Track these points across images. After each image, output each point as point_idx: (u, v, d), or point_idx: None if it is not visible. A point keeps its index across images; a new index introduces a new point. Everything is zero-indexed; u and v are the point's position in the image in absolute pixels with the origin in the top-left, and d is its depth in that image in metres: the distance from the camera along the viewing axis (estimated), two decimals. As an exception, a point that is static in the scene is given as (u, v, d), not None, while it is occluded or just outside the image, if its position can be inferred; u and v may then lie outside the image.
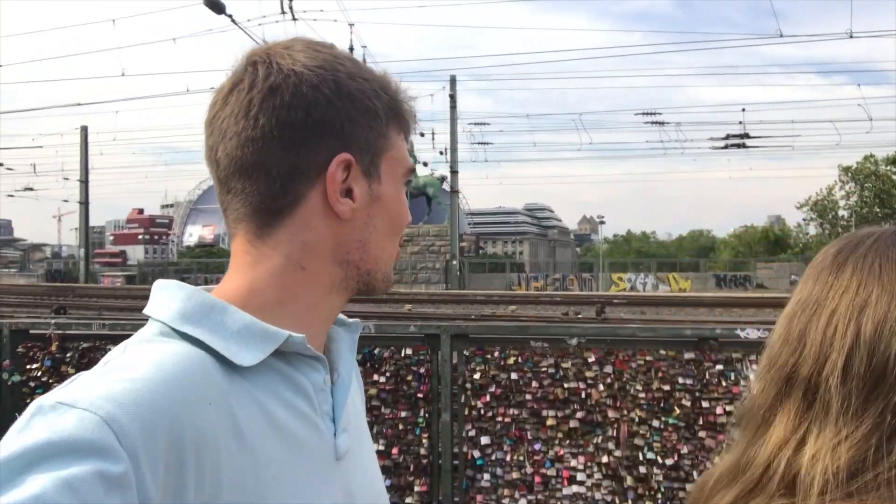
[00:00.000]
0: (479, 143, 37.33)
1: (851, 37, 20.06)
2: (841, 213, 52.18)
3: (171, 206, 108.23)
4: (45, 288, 37.10)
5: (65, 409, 0.57)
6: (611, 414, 3.95)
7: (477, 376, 4.02)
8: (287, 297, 0.77)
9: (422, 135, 34.82)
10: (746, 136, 28.07)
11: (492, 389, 4.04)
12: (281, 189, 0.76)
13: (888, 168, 49.38)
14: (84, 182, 41.78)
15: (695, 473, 3.85)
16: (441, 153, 36.13)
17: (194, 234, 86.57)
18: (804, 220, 57.35)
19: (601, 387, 3.98)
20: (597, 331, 4.14)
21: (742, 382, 3.86)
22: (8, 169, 45.36)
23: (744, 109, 29.43)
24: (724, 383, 3.87)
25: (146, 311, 0.75)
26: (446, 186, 36.92)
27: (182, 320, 0.72)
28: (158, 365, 0.65)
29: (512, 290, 37.28)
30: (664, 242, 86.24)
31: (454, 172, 35.28)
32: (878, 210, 49.45)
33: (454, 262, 34.83)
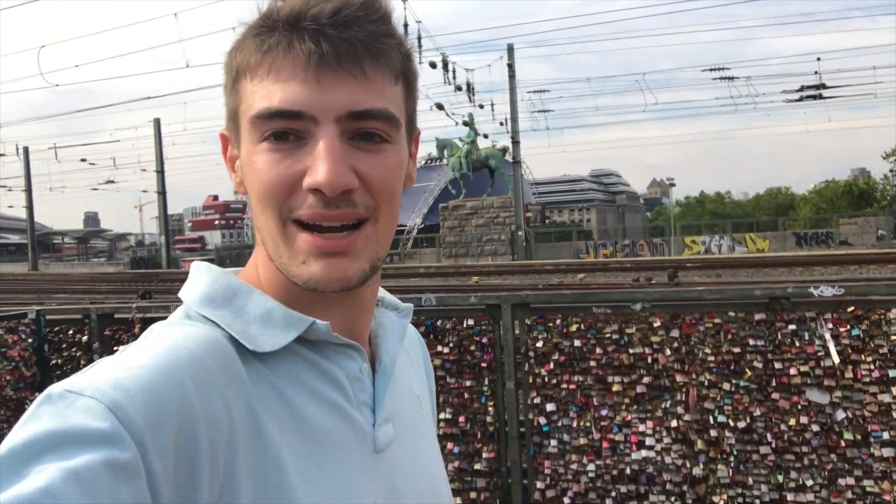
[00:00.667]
0: (539, 112, 36.69)
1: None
2: (933, 160, 48.67)
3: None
4: (132, 275, 39.22)
5: (72, 398, 0.56)
6: (679, 378, 3.89)
7: (539, 344, 4.03)
8: (273, 277, 0.73)
9: (481, 106, 34.55)
10: (823, 86, 26.37)
11: (555, 357, 4.05)
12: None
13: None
14: (160, 172, 43.68)
15: (769, 436, 3.76)
16: (501, 124, 35.74)
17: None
18: (891, 171, 53.84)
19: (668, 351, 3.92)
20: (660, 295, 4.07)
21: (817, 342, 3.72)
22: (90, 164, 47.88)
23: (819, 59, 27.57)
24: (797, 343, 3.74)
25: (180, 293, 0.74)
26: (508, 157, 36.56)
27: (205, 303, 0.70)
28: (172, 349, 0.63)
29: (580, 258, 36.78)
30: (740, 202, 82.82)
31: (515, 143, 34.86)
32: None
33: (519, 233, 34.61)
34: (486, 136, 38.57)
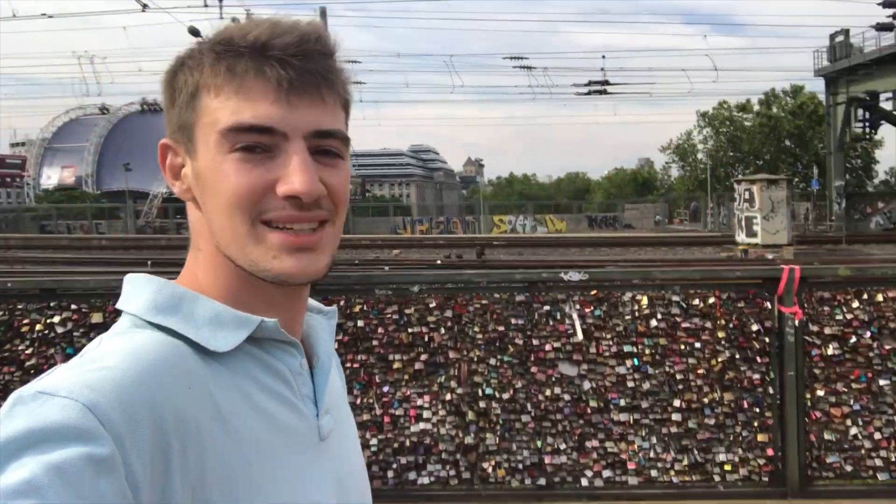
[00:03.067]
0: (353, 83, 36.36)
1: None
2: (699, 156, 56.20)
3: (22, 144, 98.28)
4: None
5: (46, 398, 0.58)
6: (452, 355, 4.18)
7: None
8: (212, 281, 0.77)
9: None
10: (606, 82, 29.38)
11: (339, 337, 4.14)
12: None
13: (739, 114, 53.41)
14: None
15: (528, 405, 4.18)
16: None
17: (53, 176, 79.26)
18: (667, 162, 61.33)
19: (443, 330, 4.18)
20: (436, 278, 4.31)
21: (567, 321, 4.18)
22: None
23: (604, 56, 30.53)
24: (551, 322, 4.19)
25: (118, 305, 0.76)
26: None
27: (154, 312, 0.72)
28: (135, 352, 0.66)
29: (398, 233, 37.43)
30: (544, 185, 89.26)
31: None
32: (731, 153, 53.65)
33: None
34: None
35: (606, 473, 4.20)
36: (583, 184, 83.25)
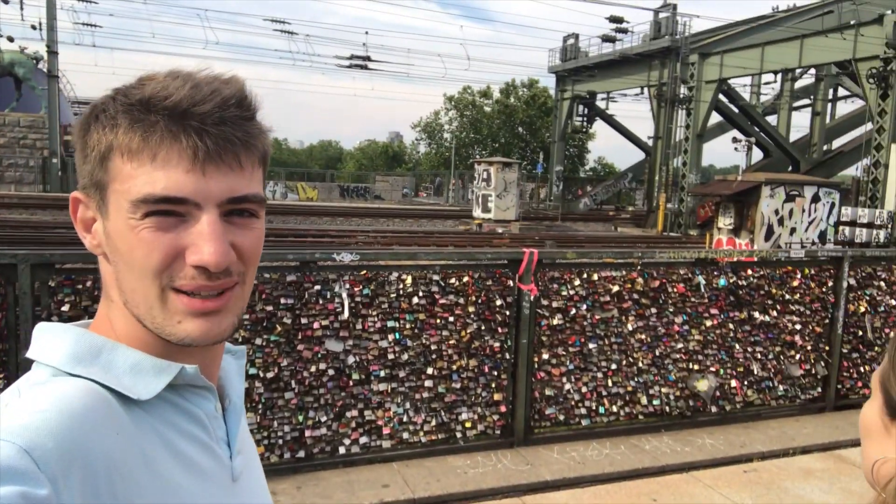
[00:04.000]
0: (83, 25, 31.89)
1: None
2: (445, 135, 60.00)
3: None
4: None
5: None
6: (216, 335, 4.07)
7: (66, 308, 3.70)
8: (127, 330, 0.76)
9: (6, 2, 28.27)
10: (368, 58, 29.94)
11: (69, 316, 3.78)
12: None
13: (481, 100, 58.09)
14: None
15: (293, 382, 4.27)
16: (34, 28, 29.92)
17: None
18: (416, 139, 64.41)
19: (206, 310, 4.05)
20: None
21: (336, 300, 4.34)
22: None
23: (367, 32, 30.98)
24: (321, 301, 4.31)
25: (31, 355, 0.73)
26: (42, 68, 31.00)
27: (73, 362, 0.71)
28: (62, 399, 0.65)
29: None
30: (296, 151, 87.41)
31: (53, 53, 29.72)
32: (472, 135, 58.17)
33: (55, 161, 30.00)
34: (11, 40, 31.84)
35: (363, 440, 4.48)
36: (335, 153, 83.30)
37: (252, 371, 4.17)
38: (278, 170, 44.11)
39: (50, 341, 0.74)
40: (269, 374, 4.21)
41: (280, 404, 4.25)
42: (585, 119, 38.67)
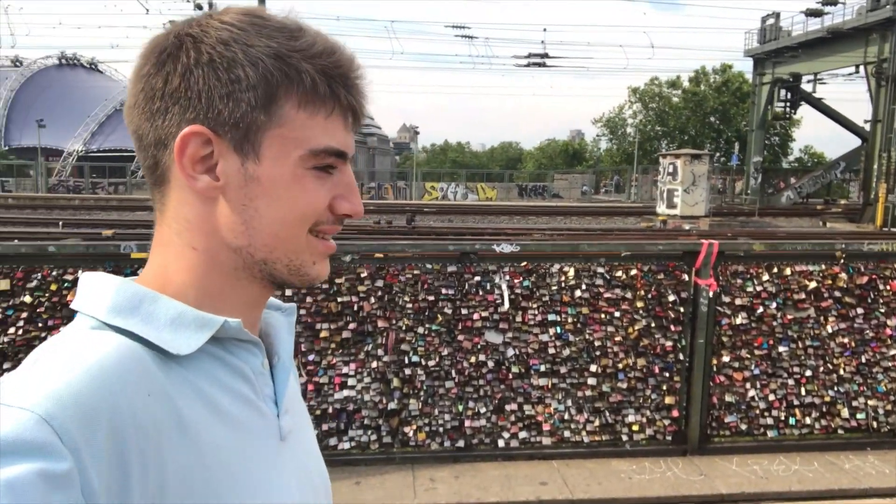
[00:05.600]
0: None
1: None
2: (629, 130, 57.66)
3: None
4: None
5: (1, 409, 0.56)
6: (380, 324, 4.24)
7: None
8: (192, 280, 0.74)
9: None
10: (546, 55, 29.68)
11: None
12: (153, 161, 0.74)
13: (668, 91, 55.02)
14: None
15: (453, 372, 4.31)
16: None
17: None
18: (597, 135, 62.66)
19: (372, 299, 4.23)
20: (369, 247, 4.33)
21: (496, 291, 4.31)
22: None
23: (545, 30, 30.81)
24: (480, 292, 4.30)
25: (74, 305, 0.72)
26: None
27: (113, 313, 0.70)
28: (93, 359, 0.63)
29: (327, 197, 36.68)
30: (477, 153, 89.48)
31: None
32: (658, 128, 55.31)
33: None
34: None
35: (522, 435, 4.39)
36: (515, 153, 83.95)
37: (415, 359, 4.26)
38: (459, 171, 45.43)
39: (91, 291, 0.73)
40: (431, 363, 4.28)
41: (441, 393, 4.31)
42: (788, 104, 34.98)
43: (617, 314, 4.43)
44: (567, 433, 4.41)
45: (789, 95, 34.64)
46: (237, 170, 0.72)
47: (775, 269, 4.58)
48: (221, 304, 0.75)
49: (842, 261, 4.61)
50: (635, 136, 53.69)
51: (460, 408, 4.33)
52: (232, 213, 0.73)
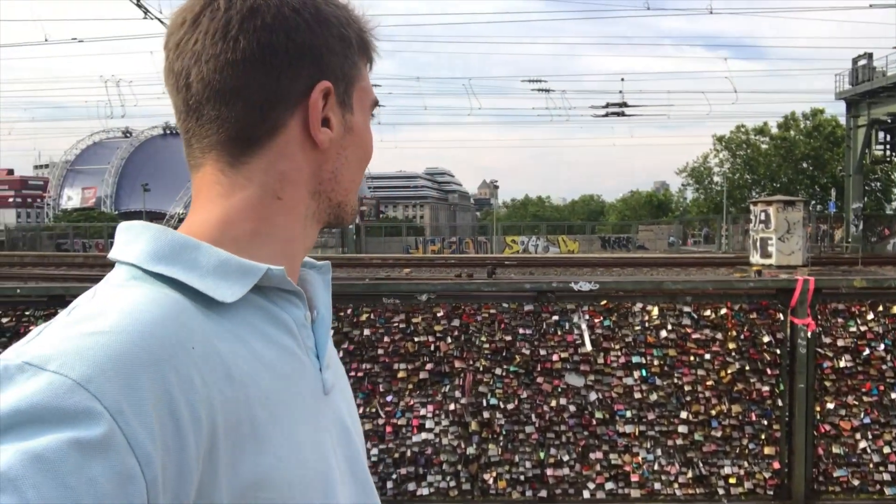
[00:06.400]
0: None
1: (711, 13, 21.57)
2: (715, 178, 56.03)
3: (46, 166, 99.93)
4: None
5: (33, 372, 0.53)
6: (457, 364, 4.17)
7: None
8: (263, 228, 0.74)
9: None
10: (625, 104, 29.57)
11: (345, 346, 4.15)
12: (260, 116, 0.72)
13: (756, 137, 53.29)
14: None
15: (533, 416, 4.16)
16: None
17: (74, 197, 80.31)
18: (682, 185, 61.16)
19: (449, 339, 4.18)
20: (444, 287, 4.31)
21: (575, 331, 4.17)
22: None
23: (623, 79, 30.88)
24: (559, 332, 4.17)
25: (112, 255, 0.71)
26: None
27: (154, 260, 0.68)
28: (132, 312, 0.60)
29: (409, 253, 37.48)
30: (558, 207, 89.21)
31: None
32: (747, 176, 53.40)
33: (351, 227, 34.60)
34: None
35: (609, 486, 4.15)
36: (597, 206, 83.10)
37: (493, 401, 4.15)
38: (540, 225, 45.26)
39: (130, 239, 0.71)
40: (510, 406, 4.15)
41: (521, 438, 4.16)
42: (889, 147, 33.09)
43: (707, 356, 4.18)
44: (658, 485, 4.14)
45: (888, 137, 32.80)
46: (341, 121, 0.78)
47: (880, 308, 4.22)
48: (286, 251, 0.76)
49: (961, 299, 4.20)
50: (723, 185, 52.01)
51: (542, 455, 4.15)
52: (329, 162, 0.78)
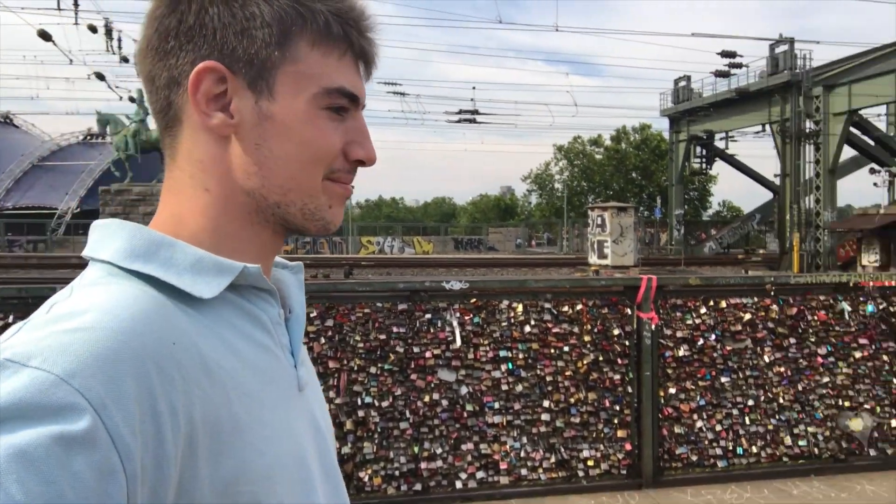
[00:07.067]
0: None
1: (557, 30, 23.04)
2: (557, 185, 59.78)
3: None
4: None
5: (15, 368, 0.52)
6: (331, 364, 4.14)
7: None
8: (206, 223, 0.72)
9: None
10: (476, 112, 30.78)
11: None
12: (165, 101, 0.72)
13: (591, 148, 57.59)
14: None
15: (407, 412, 4.23)
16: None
17: None
18: (527, 191, 64.61)
19: (322, 340, 4.14)
20: (317, 287, 4.26)
21: (447, 328, 4.30)
22: None
23: (474, 88, 32.10)
24: (432, 330, 4.28)
25: (86, 252, 0.69)
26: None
27: (130, 258, 0.67)
28: (113, 308, 0.60)
29: (259, 254, 36.02)
30: (412, 208, 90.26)
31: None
32: (584, 184, 57.47)
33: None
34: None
35: (480, 475, 4.33)
36: (449, 208, 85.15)
37: (367, 399, 4.17)
38: (395, 225, 45.61)
39: (105, 236, 0.70)
40: (384, 403, 4.19)
41: (395, 434, 4.21)
42: (704, 160, 37.17)
43: (566, 349, 4.49)
44: (524, 471, 4.37)
45: (704, 152, 36.85)
46: (251, 107, 0.71)
47: (711, 302, 4.77)
48: (236, 249, 0.73)
49: (772, 293, 4.86)
50: (563, 192, 55.57)
51: (416, 449, 4.23)
52: (245, 154, 0.72)
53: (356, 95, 0.75)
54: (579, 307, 4.54)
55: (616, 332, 4.57)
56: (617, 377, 4.55)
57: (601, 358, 4.54)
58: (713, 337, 4.72)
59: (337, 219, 0.77)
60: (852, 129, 26.65)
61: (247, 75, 0.71)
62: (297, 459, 0.71)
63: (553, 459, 4.43)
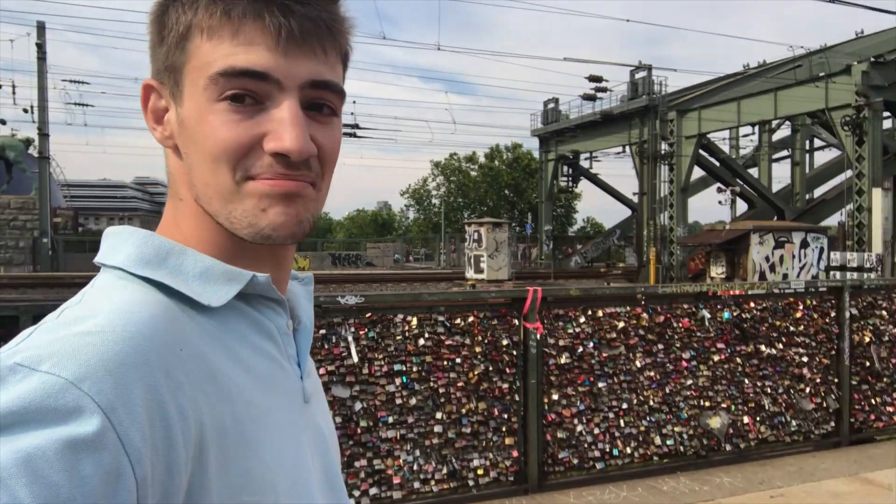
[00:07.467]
0: (76, 104, 32.56)
1: (439, 49, 23.55)
2: (434, 201, 60.81)
3: None
4: None
5: (26, 372, 0.52)
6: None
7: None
8: (188, 232, 0.72)
9: (-1, 86, 28.87)
10: (357, 126, 30.77)
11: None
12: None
13: (467, 165, 59.28)
14: None
15: (300, 431, 4.14)
16: (26, 111, 30.45)
17: None
18: (405, 206, 65.24)
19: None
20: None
21: (342, 343, 4.27)
22: None
23: (355, 101, 32.08)
24: (326, 346, 4.24)
25: (98, 259, 0.70)
26: (33, 151, 31.39)
27: (141, 264, 0.67)
28: (122, 314, 0.60)
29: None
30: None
31: (43, 135, 30.13)
32: (460, 199, 58.94)
33: (45, 241, 29.99)
34: (3, 123, 32.46)
35: (373, 491, 4.32)
36: (325, 224, 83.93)
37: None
38: (269, 241, 44.20)
39: (116, 243, 0.70)
40: (275, 424, 4.08)
41: (287, 455, 4.11)
42: (571, 179, 39.35)
43: (458, 360, 4.60)
44: (417, 484, 4.42)
45: (570, 171, 39.05)
46: (174, 117, 0.70)
47: (590, 312, 5.09)
48: (225, 258, 0.71)
49: (643, 302, 5.26)
50: (441, 207, 56.58)
51: (308, 468, 4.15)
52: (182, 164, 0.71)
53: (257, 72, 0.65)
54: (471, 319, 4.68)
55: (505, 342, 4.75)
56: (505, 386, 4.73)
57: (491, 368, 4.70)
58: (591, 344, 5.02)
59: (277, 222, 0.67)
60: (701, 151, 29.30)
61: (169, 85, 0.70)
62: (300, 471, 0.71)
63: (445, 471, 4.51)
